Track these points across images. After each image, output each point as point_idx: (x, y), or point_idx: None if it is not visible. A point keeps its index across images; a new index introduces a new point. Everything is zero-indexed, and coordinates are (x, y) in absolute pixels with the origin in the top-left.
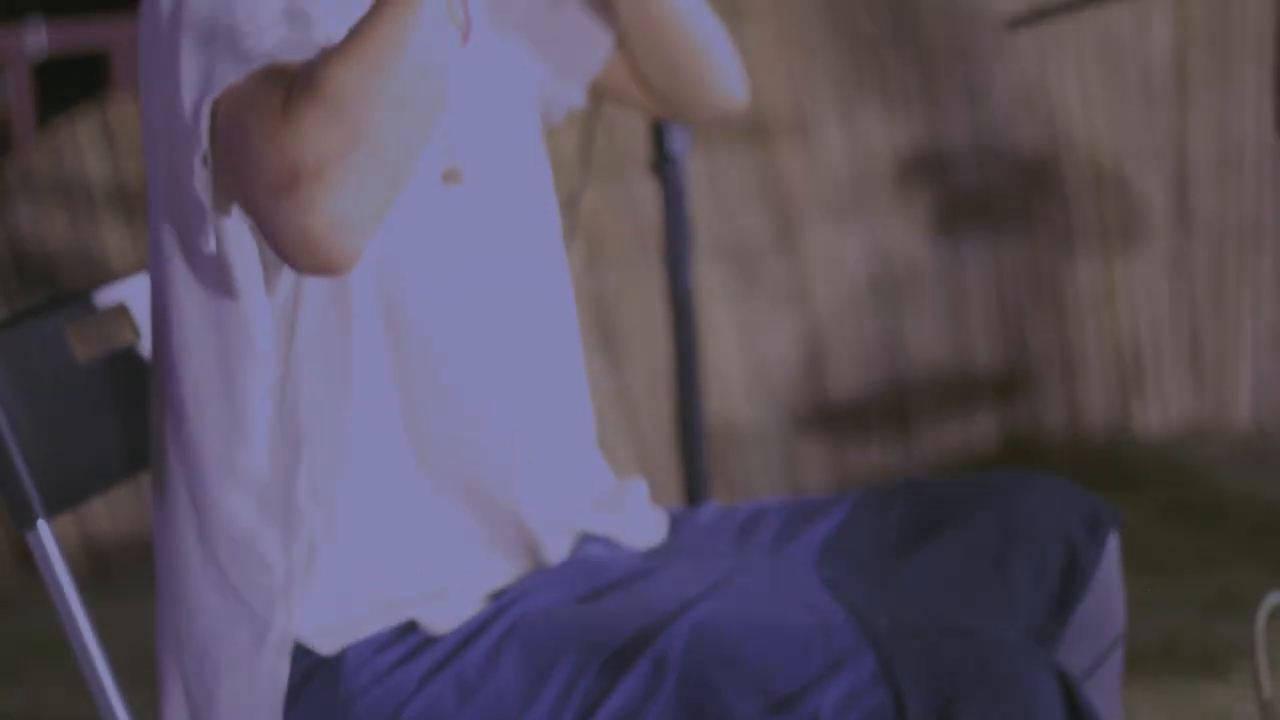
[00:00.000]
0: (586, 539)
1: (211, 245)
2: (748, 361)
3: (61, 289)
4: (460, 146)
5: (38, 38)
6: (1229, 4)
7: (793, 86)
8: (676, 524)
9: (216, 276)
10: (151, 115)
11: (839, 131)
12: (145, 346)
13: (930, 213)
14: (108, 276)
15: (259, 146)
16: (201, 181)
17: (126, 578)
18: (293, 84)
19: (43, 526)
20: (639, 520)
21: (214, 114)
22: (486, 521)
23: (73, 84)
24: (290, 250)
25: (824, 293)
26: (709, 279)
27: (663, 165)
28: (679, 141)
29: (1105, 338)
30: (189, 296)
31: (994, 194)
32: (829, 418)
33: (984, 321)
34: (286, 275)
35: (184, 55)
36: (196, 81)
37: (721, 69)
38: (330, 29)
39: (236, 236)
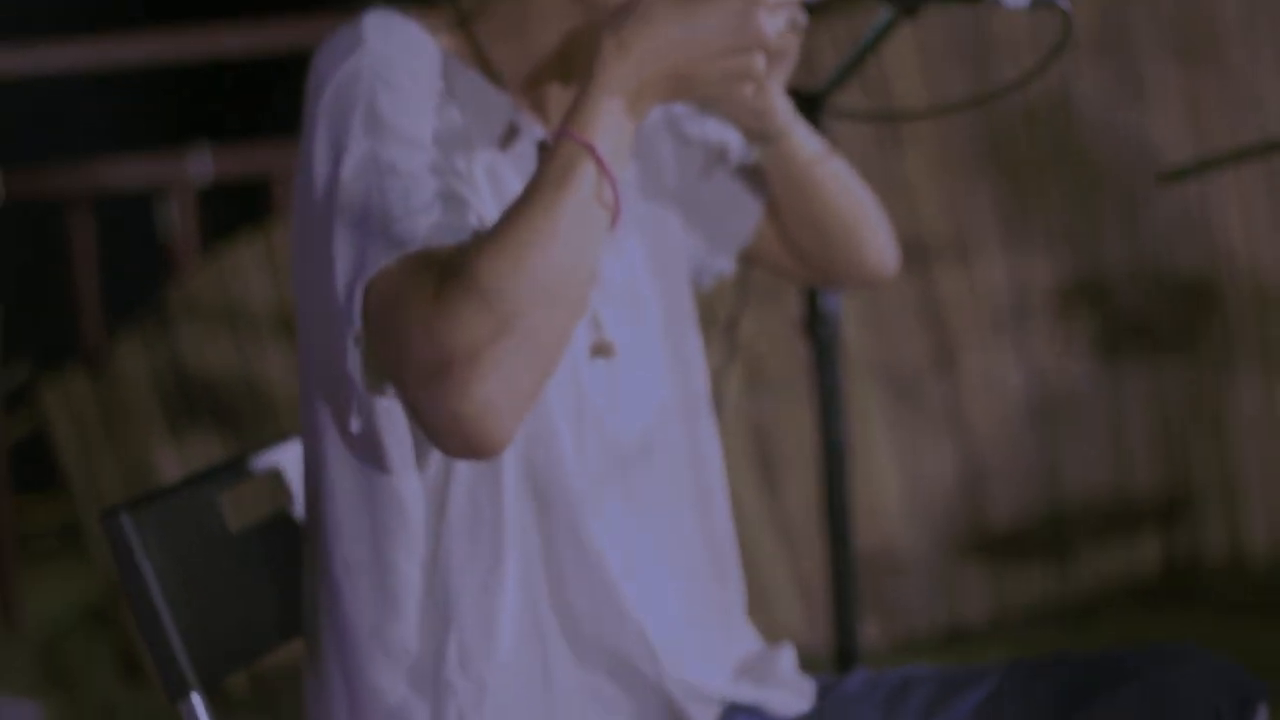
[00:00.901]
0: (733, 709)
1: (359, 426)
2: (905, 486)
3: (224, 412)
4: (611, 320)
5: (202, 163)
6: None
7: (952, 211)
8: (824, 692)
9: (369, 452)
10: (305, 291)
11: (998, 255)
12: (298, 512)
13: (1090, 336)
14: (270, 401)
15: (411, 332)
16: (354, 362)
17: (282, 696)
18: (444, 270)
19: (196, 699)
20: (786, 689)
21: (367, 296)
22: (630, 693)
23: (237, 209)
24: (442, 435)
25: (982, 417)
26: (866, 402)
27: (814, 325)
28: (831, 300)
29: (1267, 461)
30: (341, 470)
31: (1154, 317)
32: (987, 544)
33: (1144, 445)
34: (437, 451)
35: (337, 236)
36: (350, 264)
37: (873, 240)
38: (484, 212)
39: (389, 415)
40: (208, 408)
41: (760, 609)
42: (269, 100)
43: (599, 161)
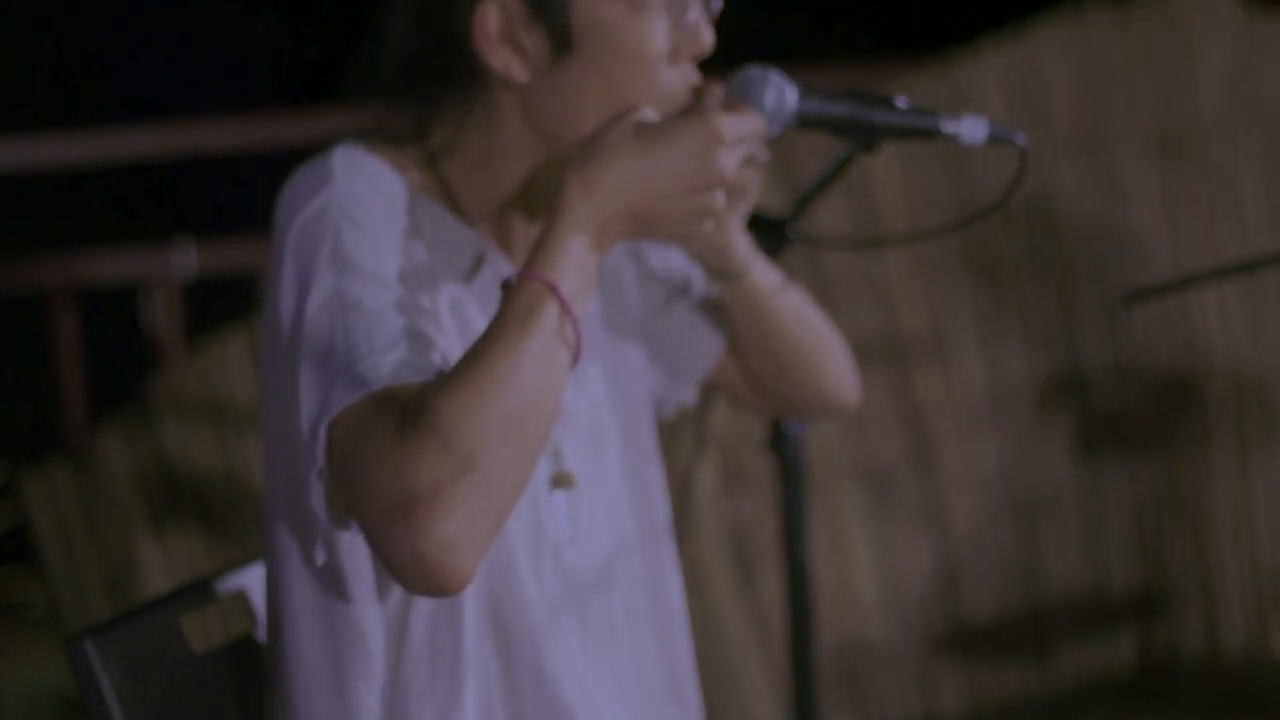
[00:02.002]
0: None
1: (323, 558)
2: (882, 580)
3: (207, 506)
4: (572, 451)
5: (186, 259)
6: None
7: (930, 308)
8: None
9: (330, 582)
10: (271, 423)
11: (976, 352)
12: (262, 634)
13: (1068, 432)
14: (252, 496)
15: (373, 471)
16: (317, 497)
17: None
18: (407, 410)
19: None
20: None
21: (331, 434)
22: None
23: (221, 303)
24: (403, 572)
25: (960, 513)
26: (844, 497)
27: (779, 444)
28: (795, 426)
29: (1244, 559)
30: (303, 598)
31: (1132, 413)
32: (964, 639)
33: (1121, 541)
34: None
35: (303, 373)
36: (315, 402)
37: (832, 372)
38: (449, 348)
39: (352, 547)
40: (190, 502)
41: (735, 701)
42: (253, 194)
43: (561, 301)
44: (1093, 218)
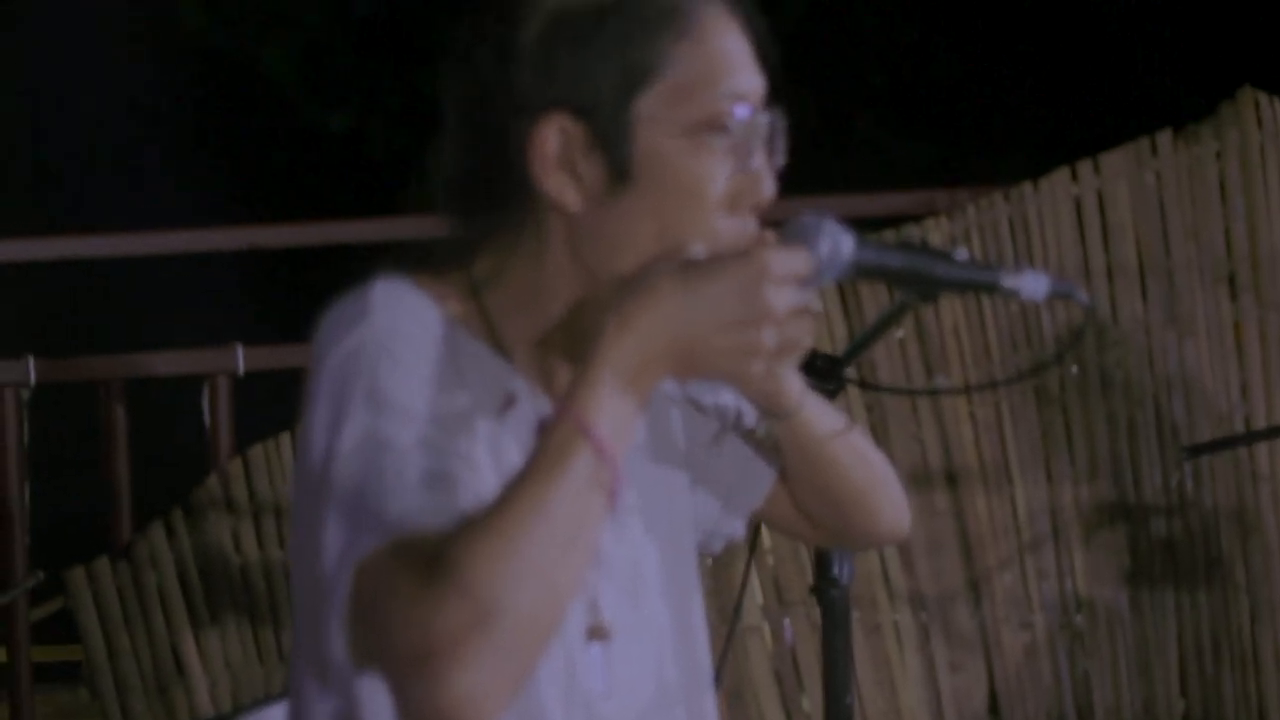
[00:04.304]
0: None
1: (342, 702)
2: (931, 709)
3: (247, 607)
4: (609, 599)
5: (237, 357)
6: None
7: (987, 434)
8: None
9: None
10: (299, 557)
11: (1029, 480)
12: None
13: (1121, 562)
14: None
15: (392, 618)
16: (338, 641)
17: None
18: (430, 557)
19: None
20: None
21: (354, 578)
22: None
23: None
24: None
25: (1010, 641)
26: (897, 624)
27: (824, 590)
28: (843, 567)
29: None
30: None
31: (1186, 545)
32: None
33: (1172, 673)
34: None
35: (330, 513)
36: (339, 544)
37: (886, 505)
38: (484, 488)
39: (372, 693)
40: (233, 601)
41: None
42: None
43: (597, 444)
44: (1154, 348)
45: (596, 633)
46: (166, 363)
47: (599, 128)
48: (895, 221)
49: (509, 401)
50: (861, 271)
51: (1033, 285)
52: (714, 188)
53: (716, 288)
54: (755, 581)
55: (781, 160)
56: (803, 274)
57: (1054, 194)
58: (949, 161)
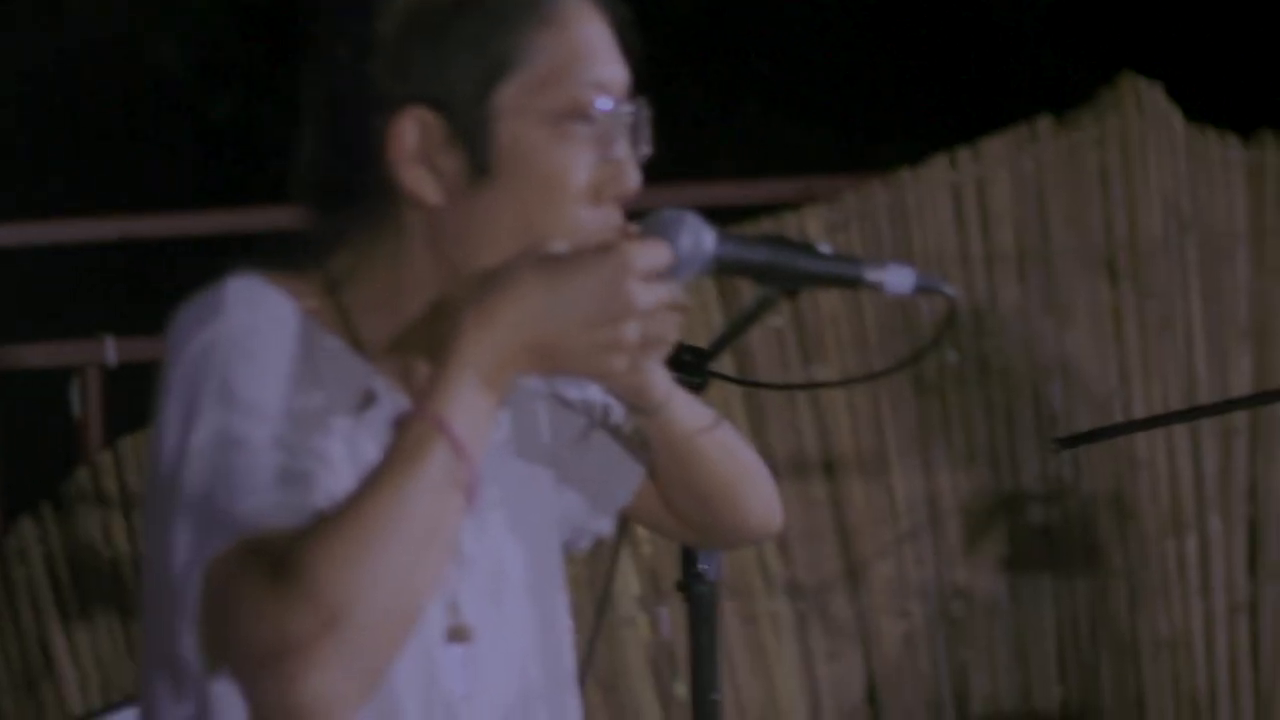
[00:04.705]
0: None
1: (193, 707)
2: (809, 698)
3: (117, 599)
4: (470, 600)
5: (109, 348)
6: None
7: (864, 423)
8: None
9: None
10: (149, 561)
11: (907, 468)
12: None
13: (999, 550)
14: None
15: (241, 621)
16: (188, 644)
17: None
18: (279, 557)
19: None
20: None
21: (203, 578)
22: None
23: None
24: None
25: (888, 629)
26: (774, 613)
27: (690, 585)
28: (709, 562)
29: (1176, 684)
30: None
31: (1064, 532)
32: None
33: (1050, 660)
34: None
35: (180, 512)
36: (188, 545)
37: (756, 501)
38: (339, 487)
39: (223, 696)
40: (104, 596)
41: None
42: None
43: (454, 441)
44: (1033, 335)
45: (457, 634)
46: (35, 354)
47: (457, 120)
48: (774, 209)
49: (368, 399)
50: (723, 266)
51: (898, 279)
52: (576, 178)
53: (578, 283)
54: (631, 572)
55: (647, 150)
56: (664, 268)
57: (932, 181)
58: (838, 147)
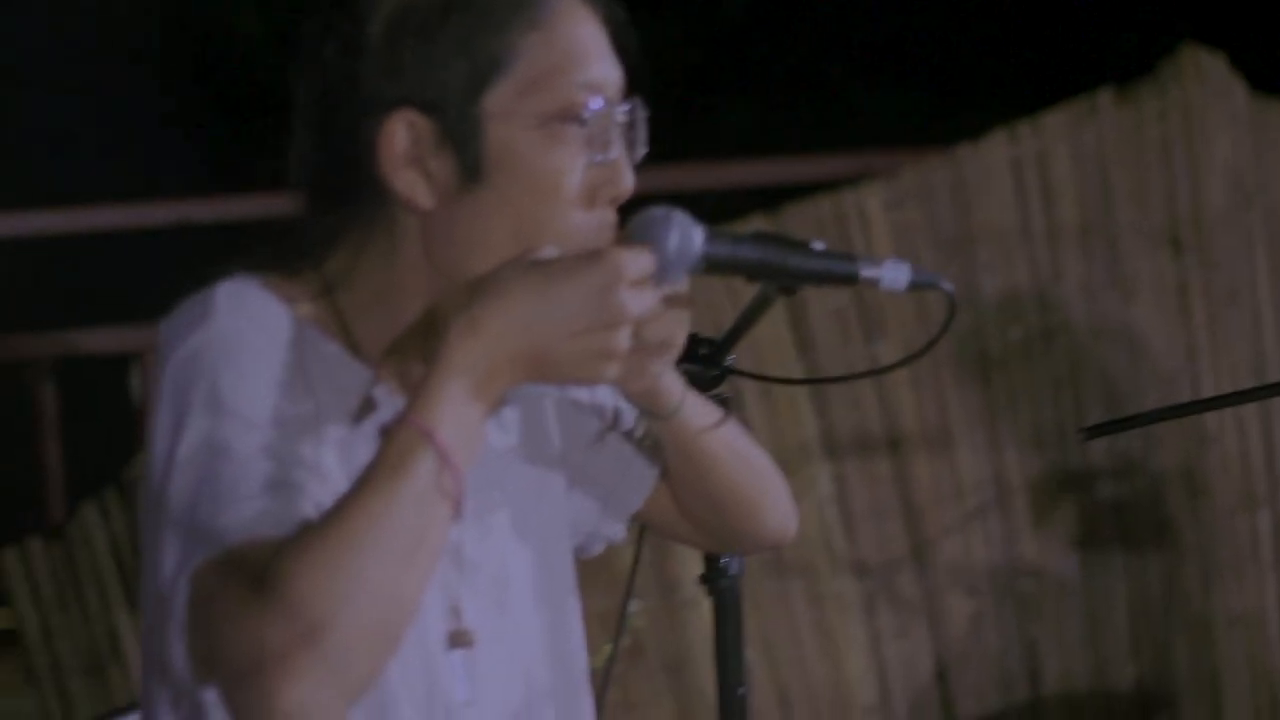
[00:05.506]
0: None
1: (182, 713)
2: (877, 677)
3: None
4: (473, 605)
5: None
6: None
7: (930, 401)
8: None
9: None
10: (145, 569)
11: (974, 444)
12: None
13: (1069, 528)
14: None
15: (222, 632)
16: (177, 654)
17: None
18: (262, 568)
19: None
20: None
21: (190, 587)
22: None
23: None
24: None
25: (956, 608)
26: (840, 593)
27: (714, 578)
28: (731, 557)
29: (1251, 661)
30: None
31: (1136, 509)
32: None
33: (1124, 640)
34: None
35: (168, 521)
36: (176, 553)
37: (770, 508)
38: (329, 496)
39: (220, 706)
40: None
41: None
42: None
43: (440, 451)
44: (1097, 311)
45: (458, 639)
46: (97, 340)
47: (448, 123)
48: (833, 185)
49: (368, 406)
50: (714, 265)
51: (893, 275)
52: (569, 181)
53: (567, 291)
54: (693, 553)
55: (642, 151)
56: (655, 271)
57: (992, 156)
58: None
